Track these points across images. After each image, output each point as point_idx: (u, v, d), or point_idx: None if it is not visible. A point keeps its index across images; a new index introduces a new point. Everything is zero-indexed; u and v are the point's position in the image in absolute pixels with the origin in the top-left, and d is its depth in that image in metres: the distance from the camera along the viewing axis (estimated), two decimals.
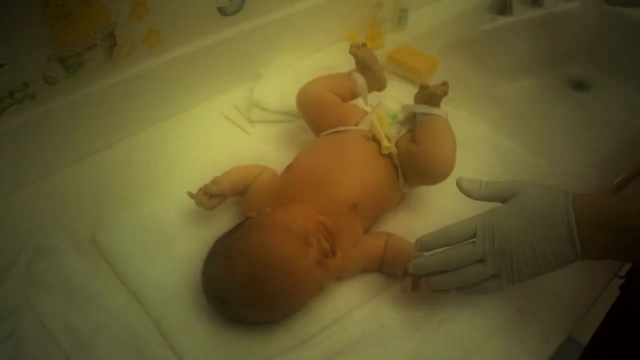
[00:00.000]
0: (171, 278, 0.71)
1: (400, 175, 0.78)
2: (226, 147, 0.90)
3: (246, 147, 0.91)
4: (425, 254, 0.66)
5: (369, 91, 0.89)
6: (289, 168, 0.77)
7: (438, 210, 0.83)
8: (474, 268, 0.62)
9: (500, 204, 0.64)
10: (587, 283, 0.73)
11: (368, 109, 0.86)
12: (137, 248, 0.74)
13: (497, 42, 1.21)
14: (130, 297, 0.70)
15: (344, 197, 0.72)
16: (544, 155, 0.91)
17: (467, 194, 0.67)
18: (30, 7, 0.71)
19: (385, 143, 0.77)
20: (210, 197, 0.75)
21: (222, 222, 0.77)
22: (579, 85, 1.28)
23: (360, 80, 0.87)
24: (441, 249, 0.65)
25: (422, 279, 0.65)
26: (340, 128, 0.81)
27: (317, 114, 0.85)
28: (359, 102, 0.89)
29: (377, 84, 0.90)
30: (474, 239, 0.62)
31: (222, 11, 0.94)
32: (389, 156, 0.78)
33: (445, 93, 0.79)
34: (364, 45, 0.89)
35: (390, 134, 0.79)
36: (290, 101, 0.92)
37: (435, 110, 0.78)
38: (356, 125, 0.82)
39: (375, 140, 0.78)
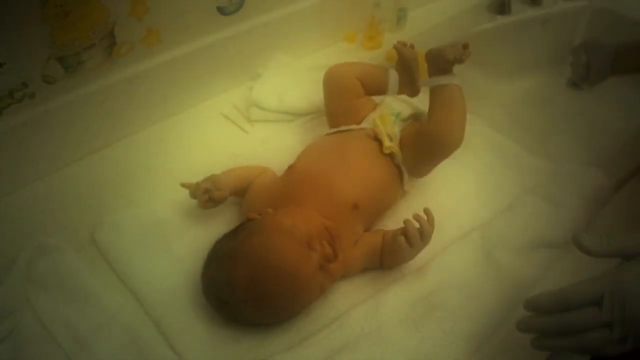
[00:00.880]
0: (170, 277, 0.71)
1: (405, 172, 0.78)
2: (225, 147, 0.90)
3: (245, 146, 0.91)
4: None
5: (399, 93, 0.85)
6: (290, 169, 0.77)
7: (437, 209, 0.82)
8: (598, 333, 0.55)
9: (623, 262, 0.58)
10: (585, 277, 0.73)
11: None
12: (136, 247, 0.74)
13: (496, 41, 1.21)
14: (130, 297, 0.70)
15: (345, 197, 0.72)
16: (543, 155, 0.91)
17: (588, 252, 0.59)
18: (30, 7, 0.71)
19: (387, 143, 0.77)
20: (209, 198, 0.75)
21: (221, 222, 0.77)
22: (579, 85, 1.28)
23: (393, 78, 0.83)
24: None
25: (535, 342, 0.59)
26: (343, 127, 0.82)
27: (336, 96, 0.85)
28: None
29: (410, 89, 0.84)
30: (597, 303, 0.55)
31: (221, 11, 0.94)
32: (390, 155, 0.78)
33: (461, 56, 0.76)
34: (412, 46, 0.83)
35: (393, 132, 0.79)
36: (288, 100, 0.92)
37: (442, 80, 0.77)
38: (359, 123, 0.82)
39: (377, 139, 0.79)
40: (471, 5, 1.26)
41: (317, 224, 0.67)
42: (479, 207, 0.83)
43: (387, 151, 0.77)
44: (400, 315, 0.68)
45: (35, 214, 0.80)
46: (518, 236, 0.77)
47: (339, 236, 0.68)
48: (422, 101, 0.84)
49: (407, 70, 0.82)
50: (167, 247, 0.74)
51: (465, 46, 0.76)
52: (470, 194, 0.86)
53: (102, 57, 0.83)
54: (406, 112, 0.82)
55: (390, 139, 0.78)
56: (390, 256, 0.72)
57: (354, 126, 0.81)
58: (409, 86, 0.84)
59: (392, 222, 0.79)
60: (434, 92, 0.79)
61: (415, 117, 0.85)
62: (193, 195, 0.75)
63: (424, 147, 0.78)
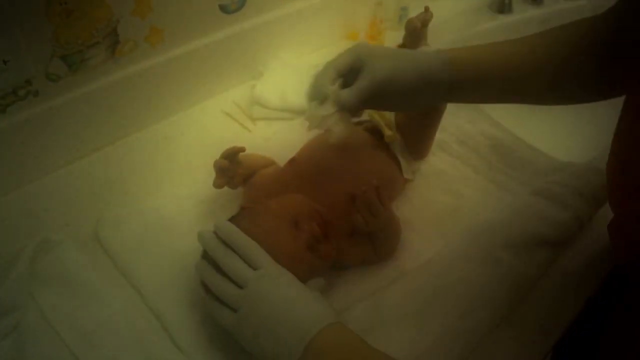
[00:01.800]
0: (173, 273, 0.71)
1: (402, 160, 0.78)
2: (228, 144, 0.90)
3: (248, 144, 0.90)
4: None
5: None
6: (291, 161, 0.78)
7: (438, 208, 0.83)
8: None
9: None
10: (587, 278, 0.73)
11: None
12: (139, 244, 0.75)
13: (497, 40, 1.22)
14: (133, 292, 0.71)
15: (343, 188, 0.72)
16: (544, 154, 0.92)
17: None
18: (34, 4, 0.72)
19: (387, 132, 0.78)
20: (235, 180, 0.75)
21: (224, 218, 0.77)
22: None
23: None
24: None
25: None
26: None
27: None
28: None
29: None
30: None
31: (223, 9, 0.95)
32: (388, 146, 0.79)
33: (425, 20, 0.80)
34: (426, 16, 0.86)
35: (389, 119, 0.79)
36: (291, 98, 0.93)
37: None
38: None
39: (373, 131, 0.79)
40: (472, 4, 1.27)
41: (305, 206, 0.68)
42: (479, 205, 0.84)
43: (388, 140, 0.78)
44: (401, 312, 0.69)
45: (39, 210, 0.80)
46: (518, 236, 0.77)
47: (332, 221, 0.68)
48: None
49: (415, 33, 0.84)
50: (170, 244, 0.75)
51: (425, 9, 0.81)
52: (471, 192, 0.86)
53: (106, 55, 0.83)
54: None
55: (390, 128, 0.79)
56: (376, 242, 0.72)
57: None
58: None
59: None
60: None
61: None
62: (221, 171, 0.75)
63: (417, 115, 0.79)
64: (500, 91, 0.71)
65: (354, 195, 0.68)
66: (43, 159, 0.84)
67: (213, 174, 0.77)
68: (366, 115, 0.81)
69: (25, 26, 0.72)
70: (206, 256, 0.64)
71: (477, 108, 0.99)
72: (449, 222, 0.81)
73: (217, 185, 0.76)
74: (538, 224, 0.78)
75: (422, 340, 0.66)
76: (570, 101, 0.75)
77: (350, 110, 0.64)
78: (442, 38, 1.17)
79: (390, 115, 0.81)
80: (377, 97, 0.64)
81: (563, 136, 1.01)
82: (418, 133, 0.82)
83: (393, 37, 1.15)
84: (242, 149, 0.75)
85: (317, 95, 0.65)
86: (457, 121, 0.95)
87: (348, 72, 0.65)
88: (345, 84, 0.64)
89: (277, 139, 0.92)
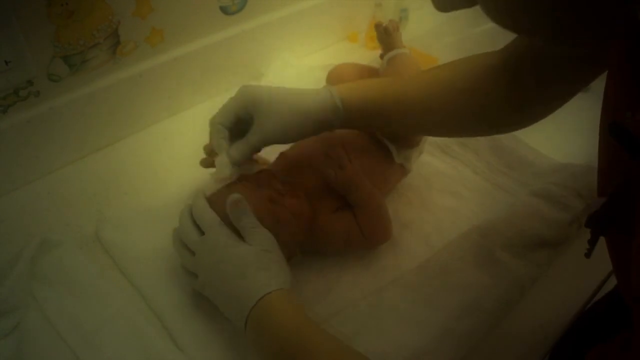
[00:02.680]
0: (174, 273, 0.71)
1: (391, 145, 0.78)
2: None
3: None
4: None
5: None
6: (281, 155, 0.78)
7: (437, 207, 0.83)
8: None
9: None
10: (585, 279, 0.74)
11: None
12: (140, 244, 0.75)
13: (497, 42, 1.22)
14: (134, 292, 0.71)
15: (320, 168, 0.73)
16: (544, 155, 0.92)
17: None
18: (35, 5, 0.72)
19: None
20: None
21: None
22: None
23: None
24: None
25: None
26: None
27: None
28: None
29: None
30: None
31: (224, 10, 0.95)
32: (374, 134, 0.79)
33: (395, 26, 0.86)
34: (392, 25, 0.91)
35: None
36: None
37: (395, 52, 0.86)
38: None
39: None
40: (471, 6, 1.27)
41: (268, 173, 0.71)
42: (479, 206, 0.84)
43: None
44: (399, 311, 0.69)
45: (40, 210, 0.80)
46: (517, 236, 0.77)
47: (302, 184, 0.71)
48: None
49: (387, 34, 0.89)
50: (170, 243, 0.75)
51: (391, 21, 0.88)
52: (471, 193, 0.86)
53: (107, 55, 0.84)
54: None
55: None
56: (358, 216, 0.73)
57: None
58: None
59: (393, 220, 0.80)
60: (389, 65, 0.87)
61: None
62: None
63: None
64: (398, 126, 0.74)
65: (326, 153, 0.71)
66: (44, 159, 0.84)
67: (214, 174, 0.78)
68: None
69: (27, 27, 0.73)
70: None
71: None
72: (449, 223, 0.81)
73: (205, 163, 0.77)
74: (537, 224, 0.78)
75: (419, 340, 0.66)
76: (474, 133, 0.80)
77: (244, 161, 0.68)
78: (442, 39, 1.17)
79: None
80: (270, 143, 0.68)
81: (562, 137, 1.01)
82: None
83: None
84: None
85: (218, 149, 0.69)
86: None
87: (237, 121, 0.68)
88: (241, 127, 0.68)
89: None
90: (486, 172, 0.90)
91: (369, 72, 0.90)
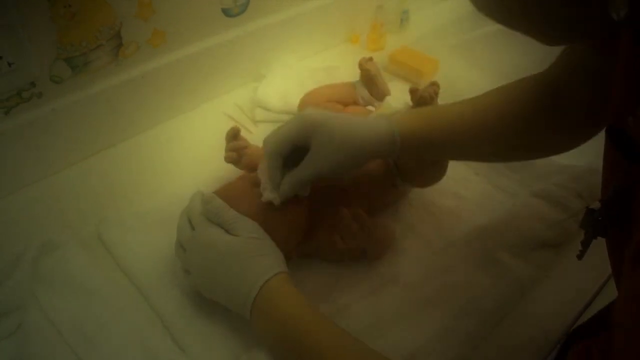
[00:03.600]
0: (175, 273, 0.72)
1: (397, 174, 0.79)
2: None
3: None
4: None
5: (367, 103, 0.91)
6: None
7: (438, 209, 0.83)
8: None
9: None
10: (586, 280, 0.74)
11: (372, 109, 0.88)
12: (141, 244, 0.75)
13: (497, 44, 1.22)
14: (135, 292, 0.71)
15: (335, 185, 0.73)
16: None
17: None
18: (38, 7, 0.72)
19: None
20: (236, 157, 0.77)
21: None
22: None
23: (364, 92, 0.90)
24: None
25: None
26: None
27: None
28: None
29: (379, 95, 0.91)
30: None
31: (226, 12, 0.95)
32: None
33: (435, 93, 0.81)
34: (371, 59, 0.91)
35: None
36: (292, 101, 0.93)
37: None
38: None
39: None
40: (473, 8, 1.27)
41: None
42: (479, 207, 0.84)
43: None
44: (398, 311, 0.69)
45: (42, 211, 0.80)
46: (518, 236, 0.77)
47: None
48: None
49: (372, 83, 0.89)
50: (172, 244, 0.75)
51: (433, 83, 0.83)
52: (471, 193, 0.86)
53: (109, 57, 0.84)
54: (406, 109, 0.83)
55: None
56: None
57: None
58: (378, 94, 0.90)
59: (394, 221, 0.81)
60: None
61: None
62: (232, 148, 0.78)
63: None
64: (449, 156, 0.75)
65: (339, 214, 0.71)
66: (46, 160, 0.84)
67: (215, 175, 0.78)
68: None
69: (30, 28, 0.73)
70: None
71: None
72: (449, 224, 0.81)
73: (228, 158, 0.78)
74: (538, 225, 0.78)
75: (418, 338, 0.66)
76: (522, 157, 0.80)
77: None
78: (443, 41, 1.17)
79: None
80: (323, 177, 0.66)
81: None
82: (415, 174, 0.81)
83: (394, 41, 1.16)
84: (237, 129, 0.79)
85: (272, 181, 0.67)
86: None
87: (293, 150, 0.66)
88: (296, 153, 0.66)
89: None
90: (487, 173, 0.90)
91: (341, 89, 0.90)
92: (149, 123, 0.94)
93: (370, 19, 1.15)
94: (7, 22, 0.70)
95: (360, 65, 0.90)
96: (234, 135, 0.78)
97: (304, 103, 0.89)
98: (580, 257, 0.57)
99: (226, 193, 0.69)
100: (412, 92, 0.83)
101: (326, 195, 0.73)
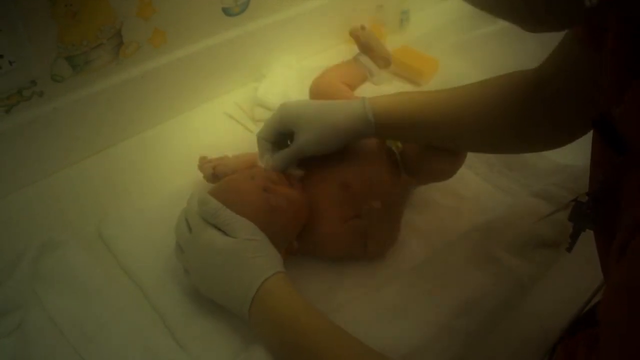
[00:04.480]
0: (176, 272, 0.72)
1: (403, 171, 0.79)
2: (230, 145, 0.91)
3: (250, 145, 0.91)
4: None
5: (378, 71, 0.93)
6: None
7: (440, 207, 0.84)
8: None
9: None
10: (586, 278, 0.74)
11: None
12: (142, 242, 0.75)
13: (497, 44, 1.22)
14: (136, 291, 0.71)
15: (336, 175, 0.74)
16: (544, 155, 0.92)
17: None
18: (39, 5, 0.73)
19: (395, 143, 0.79)
20: (213, 172, 0.79)
21: None
22: None
23: (366, 61, 0.92)
24: None
25: None
26: None
27: None
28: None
29: (382, 61, 0.94)
30: None
31: (226, 12, 0.95)
32: (391, 152, 0.79)
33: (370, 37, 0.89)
34: (363, 27, 0.93)
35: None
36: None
37: None
38: None
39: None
40: (473, 7, 1.27)
41: (259, 170, 0.75)
42: (479, 206, 0.84)
43: (391, 145, 0.79)
44: (398, 309, 0.69)
45: (43, 210, 0.81)
46: (518, 235, 0.78)
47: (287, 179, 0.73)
48: None
49: (370, 49, 0.92)
50: (173, 242, 0.75)
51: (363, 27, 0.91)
52: (471, 193, 0.87)
53: (110, 56, 0.84)
54: None
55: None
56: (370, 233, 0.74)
57: None
58: (380, 59, 0.93)
59: None
60: None
61: None
62: (200, 167, 0.81)
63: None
64: (429, 138, 0.76)
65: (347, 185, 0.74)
66: (47, 159, 0.85)
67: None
68: None
69: (31, 27, 0.73)
70: None
71: None
72: (449, 223, 0.81)
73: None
74: (537, 225, 0.78)
75: (417, 337, 0.66)
76: (512, 150, 0.80)
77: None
78: (443, 41, 1.18)
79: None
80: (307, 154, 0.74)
81: None
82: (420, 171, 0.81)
83: (394, 40, 1.16)
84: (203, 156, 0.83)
85: (260, 160, 0.76)
86: None
87: (279, 136, 0.75)
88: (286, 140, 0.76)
89: None
90: (487, 173, 0.90)
91: (347, 68, 0.92)
92: (149, 122, 0.94)
93: (370, 18, 1.15)
94: (8, 21, 0.70)
95: (351, 34, 0.93)
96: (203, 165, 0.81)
97: (316, 87, 0.89)
98: (569, 249, 0.57)
99: (226, 186, 0.71)
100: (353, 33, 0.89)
101: (331, 192, 0.73)
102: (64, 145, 0.85)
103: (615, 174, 0.45)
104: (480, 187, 0.88)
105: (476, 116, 0.71)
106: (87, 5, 0.77)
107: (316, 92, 0.88)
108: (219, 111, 0.99)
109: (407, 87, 1.06)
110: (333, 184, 0.74)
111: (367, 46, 0.92)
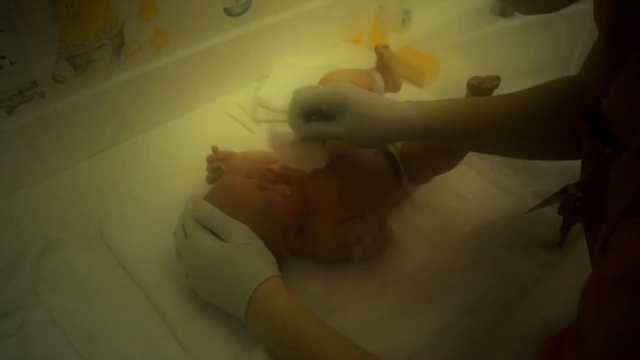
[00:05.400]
0: (177, 272, 0.72)
1: (404, 172, 0.79)
2: (232, 146, 0.91)
3: (251, 146, 0.91)
4: None
5: (385, 92, 0.93)
6: None
7: (440, 208, 0.84)
8: None
9: None
10: (586, 279, 0.74)
11: None
12: (143, 243, 0.75)
13: (498, 44, 1.22)
14: (137, 291, 0.71)
15: (337, 182, 0.74)
16: None
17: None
18: (41, 6, 0.73)
19: (398, 146, 0.79)
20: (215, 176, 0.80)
21: None
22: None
23: (379, 79, 0.92)
24: None
25: None
26: None
27: None
28: None
29: (392, 86, 0.95)
30: None
31: (228, 12, 0.95)
32: (390, 154, 0.79)
33: (495, 86, 0.82)
34: (386, 46, 0.94)
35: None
36: None
37: None
38: None
39: None
40: (474, 7, 1.27)
41: (258, 167, 0.75)
42: (481, 207, 0.84)
43: (390, 148, 0.79)
44: (399, 310, 0.69)
45: (44, 210, 0.81)
46: (520, 236, 0.77)
47: (286, 176, 0.73)
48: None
49: (388, 71, 0.93)
50: (174, 242, 0.75)
51: (496, 77, 0.83)
52: (472, 193, 0.86)
53: (111, 57, 0.84)
54: None
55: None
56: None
57: None
58: (391, 83, 0.94)
59: (396, 221, 0.81)
60: None
61: None
62: (209, 160, 0.81)
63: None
64: (475, 148, 0.76)
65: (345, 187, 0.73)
66: (48, 160, 0.85)
67: None
68: None
69: (32, 28, 0.73)
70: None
71: None
72: (452, 223, 0.81)
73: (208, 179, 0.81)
74: (539, 225, 0.78)
75: (418, 338, 0.66)
76: (543, 157, 0.79)
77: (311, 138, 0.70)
78: (445, 41, 1.18)
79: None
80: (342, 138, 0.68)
81: None
82: (422, 169, 0.82)
83: (395, 40, 1.16)
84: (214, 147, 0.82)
85: (291, 125, 0.71)
86: None
87: (317, 112, 0.69)
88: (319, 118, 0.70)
89: None
90: (489, 173, 0.90)
91: (358, 75, 0.91)
92: (151, 123, 0.95)
93: (372, 18, 1.15)
94: (9, 21, 0.70)
95: (377, 49, 0.93)
96: (214, 157, 0.81)
97: (331, 79, 0.89)
98: (560, 244, 0.56)
99: (222, 186, 0.71)
100: (471, 81, 0.83)
101: (330, 194, 0.73)
102: (65, 146, 0.85)
103: (603, 167, 0.45)
104: (482, 187, 0.88)
105: (523, 125, 0.69)
106: (89, 5, 0.77)
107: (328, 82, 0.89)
108: (220, 111, 0.99)
109: (409, 87, 1.05)
110: (333, 186, 0.73)
111: (386, 66, 0.93)
